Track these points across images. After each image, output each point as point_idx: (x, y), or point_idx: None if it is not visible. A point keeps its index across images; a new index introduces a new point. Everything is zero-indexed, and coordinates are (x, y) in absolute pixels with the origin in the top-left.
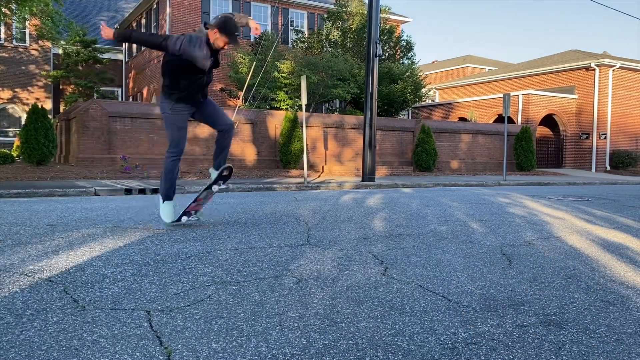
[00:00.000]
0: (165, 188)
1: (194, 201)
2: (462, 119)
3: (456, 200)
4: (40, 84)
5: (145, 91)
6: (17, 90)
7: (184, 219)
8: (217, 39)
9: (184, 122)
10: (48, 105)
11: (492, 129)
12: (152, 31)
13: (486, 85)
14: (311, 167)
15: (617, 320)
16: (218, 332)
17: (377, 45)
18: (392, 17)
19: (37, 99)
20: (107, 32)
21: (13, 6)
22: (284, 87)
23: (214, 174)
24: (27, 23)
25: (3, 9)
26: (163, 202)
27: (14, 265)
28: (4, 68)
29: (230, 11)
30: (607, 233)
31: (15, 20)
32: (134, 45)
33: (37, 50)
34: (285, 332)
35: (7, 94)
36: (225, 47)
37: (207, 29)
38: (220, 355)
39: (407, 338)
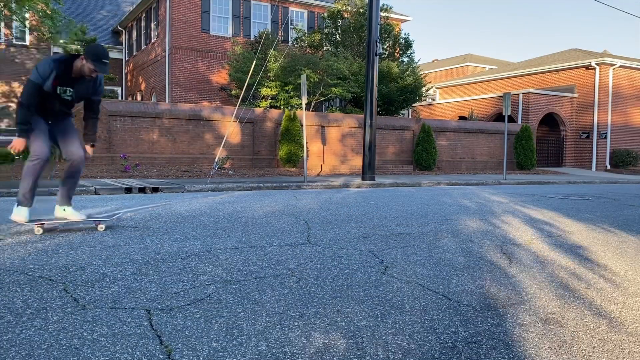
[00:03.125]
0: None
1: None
2: (462, 118)
3: (456, 199)
4: None
5: (145, 90)
6: (17, 89)
7: (38, 230)
8: (83, 65)
9: (39, 124)
10: None
11: (493, 128)
12: (152, 29)
13: (486, 84)
14: (311, 165)
15: None
16: (218, 331)
17: (377, 44)
18: (392, 15)
19: None
20: (17, 146)
21: (13, 6)
22: (275, 79)
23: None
24: (26, 23)
25: (4, 11)
26: (17, 206)
27: (14, 264)
28: (4, 67)
29: (231, 9)
30: (608, 231)
31: (15, 19)
32: (134, 44)
33: (37, 49)
34: (286, 331)
35: (7, 93)
36: (92, 75)
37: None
38: (220, 354)
39: (407, 337)
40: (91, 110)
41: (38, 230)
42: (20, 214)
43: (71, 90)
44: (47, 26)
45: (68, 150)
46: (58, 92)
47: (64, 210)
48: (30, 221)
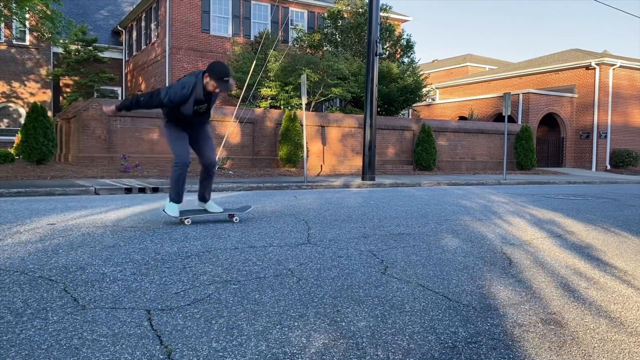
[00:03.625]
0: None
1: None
2: (462, 118)
3: (456, 199)
4: (40, 82)
5: (145, 90)
6: (17, 89)
7: (187, 221)
8: (207, 82)
9: (180, 133)
10: (48, 104)
11: (493, 128)
12: (152, 29)
13: (486, 85)
14: (311, 166)
15: None
16: (218, 331)
17: (377, 44)
18: (392, 15)
19: (37, 97)
20: (108, 109)
21: (13, 6)
22: (275, 79)
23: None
24: (27, 23)
25: (4, 11)
26: (169, 201)
27: (14, 265)
28: (4, 66)
29: (231, 9)
30: (608, 232)
31: (15, 19)
32: (134, 44)
33: (37, 49)
34: (286, 331)
35: (7, 92)
36: (216, 91)
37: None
38: (220, 354)
39: (407, 337)
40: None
41: (188, 221)
42: (173, 209)
43: (206, 105)
44: (47, 27)
45: (204, 154)
46: (196, 109)
47: (205, 203)
48: (181, 214)
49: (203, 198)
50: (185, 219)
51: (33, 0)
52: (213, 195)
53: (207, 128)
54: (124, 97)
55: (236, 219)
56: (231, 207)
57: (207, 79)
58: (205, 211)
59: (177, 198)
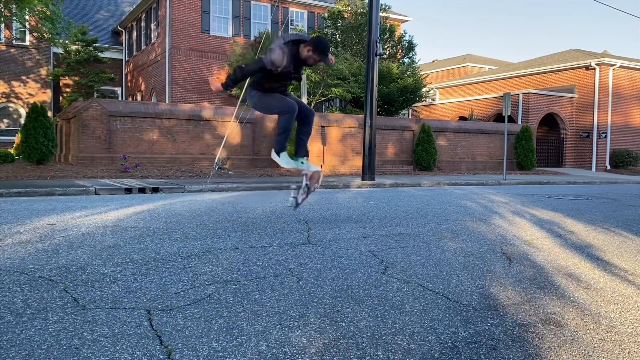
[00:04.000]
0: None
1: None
2: (462, 118)
3: (456, 199)
4: (40, 82)
5: (145, 90)
6: (17, 89)
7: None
8: (309, 56)
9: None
10: (48, 104)
11: (493, 128)
12: (152, 30)
13: (486, 85)
14: None
15: None
16: (218, 331)
17: (378, 45)
18: (392, 16)
19: (37, 97)
20: (216, 85)
21: (13, 7)
22: None
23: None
24: (27, 24)
25: (4, 12)
26: (278, 154)
27: (14, 265)
28: (4, 66)
29: (231, 10)
30: (608, 232)
31: (15, 20)
32: (134, 44)
33: (37, 49)
34: (286, 332)
35: (7, 92)
36: (314, 64)
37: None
38: (220, 354)
39: (407, 337)
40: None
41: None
42: (284, 159)
43: (295, 72)
44: (46, 28)
45: (300, 105)
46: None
47: (302, 162)
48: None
49: (300, 153)
50: (294, 165)
51: (33, 1)
52: (213, 195)
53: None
54: (123, 98)
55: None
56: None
57: (308, 52)
58: (301, 165)
59: (283, 146)
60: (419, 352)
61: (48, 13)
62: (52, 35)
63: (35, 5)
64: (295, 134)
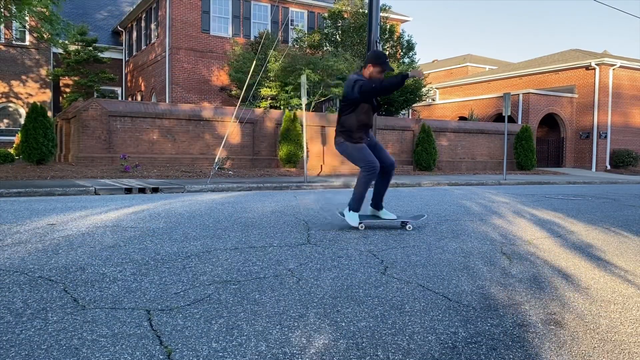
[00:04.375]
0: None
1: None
2: (462, 118)
3: (456, 199)
4: (40, 82)
5: (145, 90)
6: (17, 89)
7: (361, 226)
8: (373, 71)
9: (361, 144)
10: (48, 104)
11: (493, 128)
12: (152, 30)
13: (486, 85)
14: (311, 166)
15: None
16: (218, 331)
17: (377, 44)
18: (392, 16)
19: (37, 97)
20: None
21: (13, 8)
22: (275, 79)
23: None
24: (26, 24)
25: (3, 12)
26: (349, 211)
27: (14, 265)
28: (4, 66)
29: (231, 10)
30: (608, 232)
31: (14, 20)
32: (134, 44)
33: (37, 49)
34: (285, 332)
35: (7, 92)
36: (380, 76)
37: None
38: (220, 354)
39: (407, 337)
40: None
41: (361, 227)
42: (354, 219)
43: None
44: (45, 29)
45: (383, 156)
46: (374, 103)
47: (379, 211)
48: (360, 223)
49: (377, 205)
50: (360, 224)
51: (32, 3)
52: (213, 195)
53: (375, 139)
54: (123, 98)
55: (409, 227)
56: (404, 215)
57: (371, 68)
58: (378, 217)
59: (358, 207)
60: (419, 352)
61: (47, 14)
62: (52, 36)
63: (35, 6)
64: (374, 184)
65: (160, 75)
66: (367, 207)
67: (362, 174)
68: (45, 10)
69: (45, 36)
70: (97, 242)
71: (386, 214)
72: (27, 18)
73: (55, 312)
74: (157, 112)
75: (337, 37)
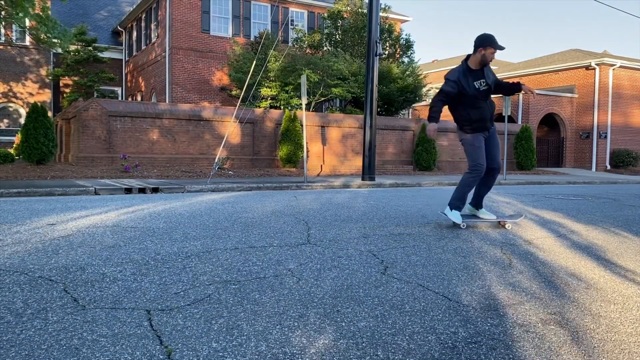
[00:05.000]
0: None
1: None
2: None
3: None
4: (40, 83)
5: (145, 90)
6: (16, 89)
7: (463, 225)
8: (485, 54)
9: (479, 140)
10: (48, 104)
11: None
12: (152, 30)
13: None
14: (311, 166)
15: None
16: (218, 331)
17: (377, 45)
18: (391, 16)
19: (37, 97)
20: (432, 130)
21: (13, 12)
22: (275, 79)
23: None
24: (26, 25)
25: (3, 12)
26: (451, 210)
27: (14, 265)
28: (4, 66)
29: (231, 10)
30: (608, 232)
31: (13, 21)
32: (134, 44)
33: (36, 49)
34: (286, 332)
35: (7, 92)
36: (492, 58)
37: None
38: (220, 354)
39: (407, 337)
40: (504, 88)
41: (463, 225)
42: (457, 217)
43: (485, 81)
44: (42, 31)
45: (492, 157)
46: (477, 87)
47: (478, 210)
48: (463, 222)
49: (477, 205)
50: (462, 223)
51: (26, 6)
52: (213, 195)
53: (496, 134)
54: (123, 98)
55: (508, 226)
56: (502, 215)
57: (483, 51)
58: (477, 217)
59: (460, 206)
60: (419, 352)
61: (43, 15)
62: (49, 39)
63: (30, 7)
64: (477, 184)
65: (160, 75)
66: (465, 207)
67: (467, 174)
68: (41, 12)
69: (43, 37)
70: (97, 242)
71: (485, 213)
72: (26, 19)
73: (56, 312)
74: (157, 112)
75: (337, 37)
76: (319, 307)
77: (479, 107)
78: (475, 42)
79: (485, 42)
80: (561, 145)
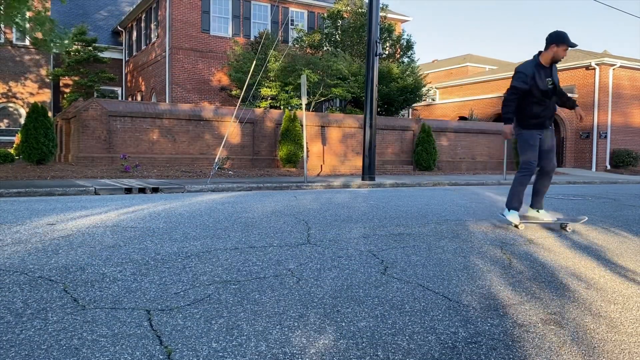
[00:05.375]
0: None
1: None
2: (462, 118)
3: (456, 199)
4: (40, 82)
5: (145, 90)
6: (16, 89)
7: (522, 226)
8: (557, 50)
9: (535, 139)
10: (48, 104)
11: (493, 128)
12: (152, 29)
13: (486, 85)
14: (311, 166)
15: None
16: (218, 331)
17: (377, 44)
18: (391, 16)
19: (37, 97)
20: (507, 132)
21: (15, 16)
22: (275, 79)
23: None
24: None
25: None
26: (509, 210)
27: (14, 265)
28: (4, 66)
29: (231, 10)
30: (608, 232)
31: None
32: (134, 44)
33: (37, 49)
34: (286, 332)
35: (6, 92)
36: (565, 54)
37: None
38: (220, 354)
39: (407, 337)
40: (562, 95)
41: (522, 227)
42: (515, 217)
43: (550, 80)
44: (39, 31)
45: (548, 157)
46: (547, 85)
47: (538, 212)
48: (521, 222)
49: (536, 206)
50: (520, 224)
51: (19, 7)
52: (213, 195)
53: (553, 135)
54: (123, 98)
55: (570, 229)
56: (563, 217)
57: (555, 48)
58: (536, 218)
59: (516, 206)
60: (419, 352)
61: (40, 17)
62: (47, 41)
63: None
64: (533, 184)
65: (160, 75)
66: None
67: (518, 172)
68: (36, 14)
69: (39, 37)
70: (97, 242)
71: (545, 214)
72: (26, 23)
73: (55, 312)
74: (157, 112)
75: (337, 37)
76: (319, 307)
77: (543, 104)
78: (547, 38)
79: (558, 39)
80: (561, 145)
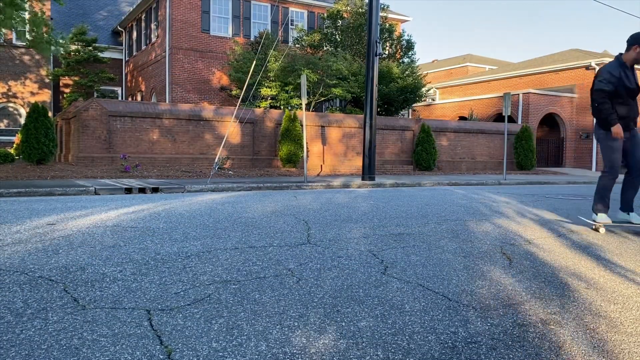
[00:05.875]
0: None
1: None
2: (462, 118)
3: (456, 199)
4: (40, 82)
5: (145, 90)
6: (16, 89)
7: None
8: (639, 52)
9: (618, 143)
10: (48, 104)
11: (493, 128)
12: (152, 30)
13: (486, 85)
14: (311, 166)
15: None
16: (218, 331)
17: (377, 45)
18: (392, 16)
19: (37, 97)
20: (621, 132)
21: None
22: (275, 79)
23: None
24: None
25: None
26: (596, 214)
27: (14, 265)
28: (4, 67)
29: (231, 10)
30: (608, 232)
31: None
32: (134, 44)
33: (37, 48)
34: (286, 332)
35: (6, 92)
36: None
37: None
38: (220, 354)
39: (407, 337)
40: None
41: (602, 230)
42: (603, 219)
43: (635, 79)
44: (32, 34)
45: (635, 160)
46: (633, 82)
47: (628, 214)
48: (613, 224)
49: (626, 209)
50: (602, 225)
51: (10, 12)
52: (213, 195)
53: (638, 135)
54: (123, 98)
55: None
56: None
57: (638, 49)
58: (629, 221)
59: (602, 208)
60: (419, 352)
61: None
62: (44, 43)
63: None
64: (621, 187)
65: (160, 75)
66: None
67: (602, 175)
68: (34, 17)
69: (34, 38)
70: (97, 242)
71: (637, 217)
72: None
73: (56, 312)
74: (157, 112)
75: (337, 37)
76: (319, 307)
77: (627, 104)
78: (629, 40)
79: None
80: (561, 145)
